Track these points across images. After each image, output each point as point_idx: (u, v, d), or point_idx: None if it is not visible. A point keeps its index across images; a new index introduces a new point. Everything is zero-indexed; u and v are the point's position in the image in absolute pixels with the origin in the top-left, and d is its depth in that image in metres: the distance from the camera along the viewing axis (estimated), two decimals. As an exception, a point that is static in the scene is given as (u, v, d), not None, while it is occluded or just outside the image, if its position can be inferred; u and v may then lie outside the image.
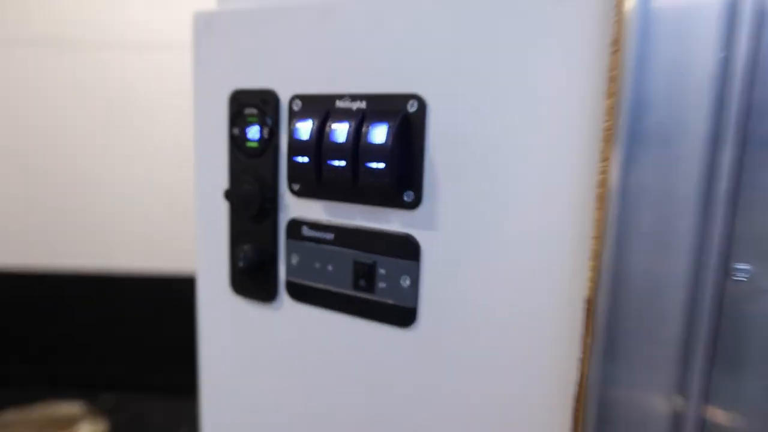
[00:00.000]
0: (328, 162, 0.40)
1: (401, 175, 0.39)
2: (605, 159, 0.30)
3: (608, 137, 0.30)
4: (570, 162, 0.34)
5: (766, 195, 0.30)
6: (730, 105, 0.28)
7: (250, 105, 0.46)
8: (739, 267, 0.31)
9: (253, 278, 0.48)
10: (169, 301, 1.79)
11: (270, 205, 0.46)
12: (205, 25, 0.48)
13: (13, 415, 1.56)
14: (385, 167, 0.37)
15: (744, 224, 0.30)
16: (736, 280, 0.31)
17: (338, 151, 0.39)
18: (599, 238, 0.31)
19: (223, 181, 0.49)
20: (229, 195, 0.48)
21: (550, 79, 0.33)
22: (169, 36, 1.73)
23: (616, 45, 0.28)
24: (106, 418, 1.58)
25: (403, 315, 0.41)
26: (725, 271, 0.31)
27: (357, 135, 0.39)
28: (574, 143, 0.33)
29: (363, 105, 0.40)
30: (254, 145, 0.46)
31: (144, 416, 1.72)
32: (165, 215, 1.81)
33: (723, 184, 0.29)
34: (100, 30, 1.76)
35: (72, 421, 1.52)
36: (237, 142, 0.47)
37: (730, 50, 0.27)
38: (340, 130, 0.39)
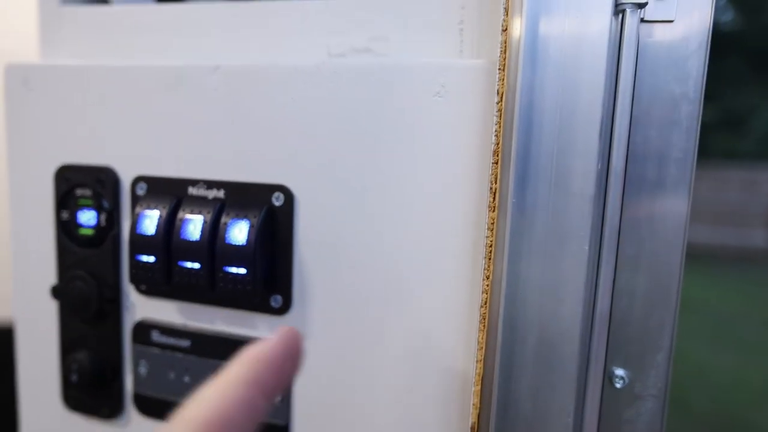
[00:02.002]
0: (179, 263, 0.30)
1: (266, 279, 0.30)
2: (487, 277, 0.24)
3: (489, 253, 0.24)
4: (450, 267, 0.28)
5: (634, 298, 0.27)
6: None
7: (83, 185, 0.34)
8: (617, 373, 0.28)
9: (92, 391, 0.36)
10: None
11: (110, 306, 0.34)
12: (22, 82, 0.35)
13: None
14: (246, 273, 0.29)
15: (619, 328, 0.27)
16: (617, 387, 0.28)
17: (191, 251, 0.30)
18: (483, 361, 0.25)
19: (48, 275, 0.36)
20: (57, 292, 0.35)
21: (430, 170, 0.27)
22: None
23: (496, 156, 0.23)
24: None
25: None
26: (606, 377, 0.28)
27: (213, 232, 0.29)
28: (455, 247, 0.28)
29: (221, 194, 0.31)
30: (89, 232, 0.34)
31: None
32: None
33: (604, 305, 0.25)
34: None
35: None
36: (67, 228, 0.35)
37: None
38: (194, 225, 0.30)
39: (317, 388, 0.32)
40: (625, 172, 0.24)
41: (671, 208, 0.25)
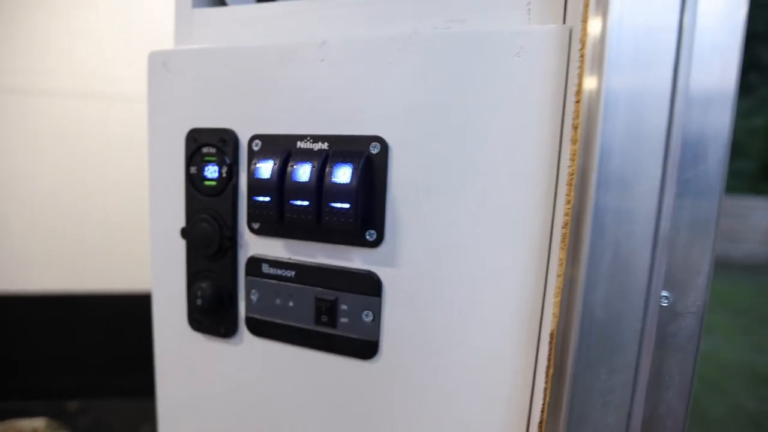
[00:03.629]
0: (291, 202, 0.33)
1: (364, 215, 0.33)
2: (569, 202, 0.26)
3: (571, 181, 0.26)
4: (527, 204, 0.30)
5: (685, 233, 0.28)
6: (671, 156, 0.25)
7: (208, 144, 0.38)
8: (663, 294, 0.29)
9: (211, 315, 0.40)
10: (124, 316, 1.65)
11: (228, 243, 0.38)
12: (161, 64, 0.40)
13: (-22, 432, 1.28)
14: (349, 207, 0.31)
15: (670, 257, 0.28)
16: (662, 305, 0.29)
17: (301, 191, 0.33)
18: (563, 275, 0.27)
19: (178, 220, 0.40)
20: (186, 233, 0.39)
21: (509, 124, 0.30)
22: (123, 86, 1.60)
23: (579, 95, 0.25)
24: (69, 429, 1.35)
25: (365, 348, 0.35)
26: (657, 298, 0.29)
27: (320, 175, 0.32)
28: (531, 186, 0.29)
29: (325, 146, 0.34)
30: (212, 183, 0.38)
31: (107, 418, 1.60)
32: (117, 242, 1.65)
33: (665, 224, 0.26)
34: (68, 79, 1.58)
35: (35, 435, 1.27)
36: (194, 181, 0.39)
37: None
38: (303, 170, 0.33)
39: (404, 310, 0.34)
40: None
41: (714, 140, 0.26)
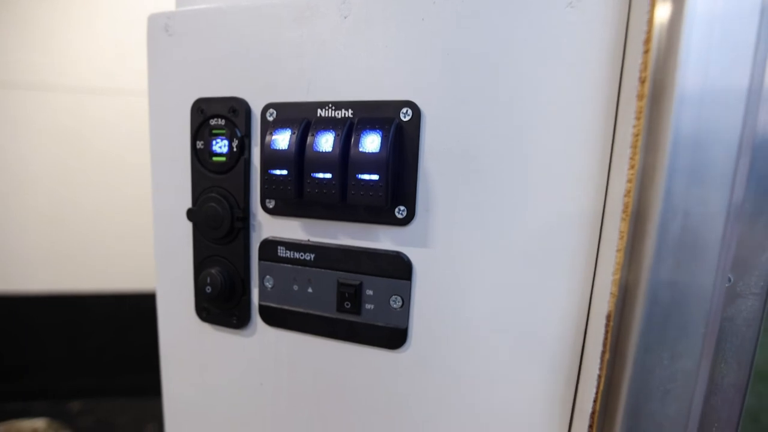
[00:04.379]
0: (312, 175, 0.30)
1: (394, 189, 0.30)
2: (632, 167, 0.23)
3: (636, 142, 0.23)
4: (578, 173, 0.27)
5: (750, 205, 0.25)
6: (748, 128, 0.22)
7: (217, 115, 0.35)
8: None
9: (222, 304, 0.36)
10: (127, 315, 1.62)
11: (240, 224, 0.35)
12: (162, 28, 0.36)
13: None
14: (378, 179, 0.28)
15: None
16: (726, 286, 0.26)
17: (324, 162, 0.29)
18: (622, 250, 0.24)
19: (184, 200, 0.37)
20: (192, 214, 0.36)
21: (560, 84, 0.26)
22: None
23: (648, 44, 0.22)
24: (71, 427, 1.32)
25: (392, 337, 0.32)
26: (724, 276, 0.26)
27: (346, 145, 0.29)
28: (583, 152, 0.26)
29: (349, 113, 0.31)
30: (221, 159, 0.35)
31: (110, 418, 1.59)
32: (119, 241, 1.62)
33: (738, 192, 0.23)
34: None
35: (36, 436, 1.24)
36: (201, 156, 0.36)
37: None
38: (325, 140, 0.30)
39: (435, 295, 0.31)
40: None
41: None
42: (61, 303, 1.65)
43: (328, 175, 0.30)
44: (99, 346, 1.70)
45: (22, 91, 1.51)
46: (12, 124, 1.53)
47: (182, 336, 0.39)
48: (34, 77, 1.51)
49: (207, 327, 0.38)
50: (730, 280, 0.27)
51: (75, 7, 1.50)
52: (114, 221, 1.61)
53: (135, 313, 1.68)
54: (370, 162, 0.28)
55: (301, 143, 0.31)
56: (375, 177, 0.28)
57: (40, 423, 1.26)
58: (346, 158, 0.29)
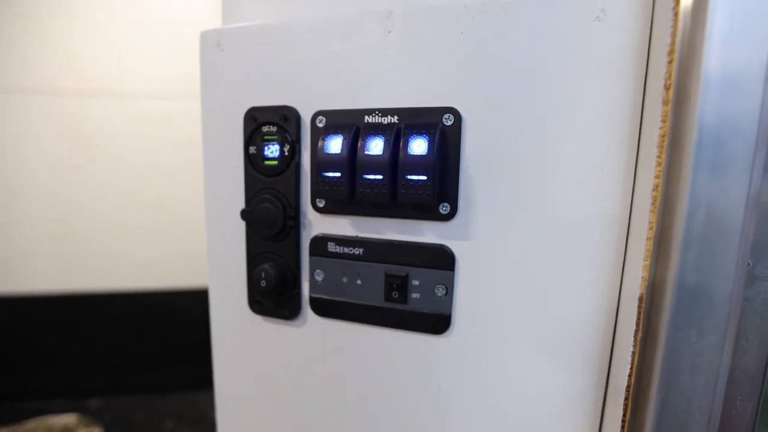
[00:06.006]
0: (364, 176, 0.33)
1: (439, 187, 0.33)
2: (659, 164, 0.26)
3: (662, 143, 0.26)
4: (607, 173, 0.30)
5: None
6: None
7: (269, 123, 0.38)
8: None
9: (275, 297, 0.39)
10: (144, 313, 1.65)
11: (292, 222, 0.38)
12: (214, 44, 0.39)
13: (7, 431, 1.28)
14: (426, 179, 0.31)
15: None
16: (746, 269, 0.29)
17: (375, 164, 0.32)
18: (652, 239, 0.27)
19: (236, 202, 0.40)
20: (246, 214, 0.39)
21: (589, 91, 0.29)
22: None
23: (671, 55, 0.25)
24: (99, 424, 1.36)
25: (437, 323, 0.35)
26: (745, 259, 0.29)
27: (395, 148, 0.32)
28: (611, 154, 0.29)
29: (395, 119, 0.34)
30: (273, 163, 0.38)
31: (128, 414, 1.63)
32: (131, 242, 1.65)
33: (756, 181, 0.26)
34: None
35: (69, 431, 1.27)
36: (254, 161, 0.39)
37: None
38: (375, 144, 0.33)
39: (477, 285, 0.34)
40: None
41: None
42: (70, 303, 1.69)
43: (379, 177, 0.33)
44: (113, 344, 1.74)
45: (28, 96, 1.55)
46: (18, 126, 1.56)
47: (235, 328, 0.42)
48: (37, 80, 1.55)
49: (259, 319, 0.41)
50: (749, 264, 0.30)
51: (80, 8, 1.54)
52: (125, 222, 1.65)
53: (147, 311, 1.71)
54: (418, 164, 0.32)
55: (352, 147, 0.34)
56: (423, 177, 0.32)
57: (70, 419, 1.30)
58: (395, 161, 0.32)
